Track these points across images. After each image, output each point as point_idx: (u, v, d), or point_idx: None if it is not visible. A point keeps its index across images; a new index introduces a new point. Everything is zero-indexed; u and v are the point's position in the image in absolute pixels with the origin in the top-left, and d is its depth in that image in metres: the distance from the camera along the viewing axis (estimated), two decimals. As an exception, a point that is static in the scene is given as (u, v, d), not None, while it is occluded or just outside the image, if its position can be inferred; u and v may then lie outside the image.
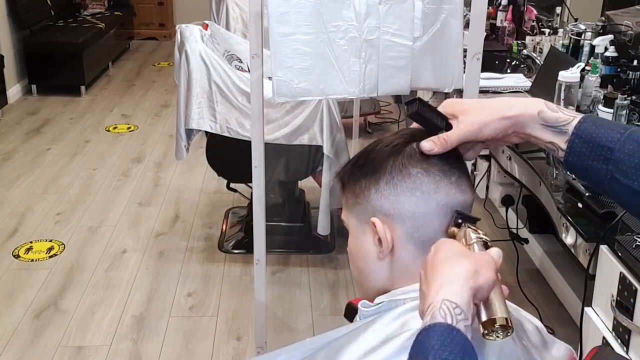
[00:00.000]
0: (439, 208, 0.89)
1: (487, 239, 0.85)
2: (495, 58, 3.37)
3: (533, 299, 2.79)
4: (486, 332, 0.74)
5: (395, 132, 0.97)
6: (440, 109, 0.94)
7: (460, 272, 0.75)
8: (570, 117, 0.88)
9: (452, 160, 0.91)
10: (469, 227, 0.86)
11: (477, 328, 0.75)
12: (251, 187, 2.17)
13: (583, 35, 2.90)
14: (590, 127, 0.86)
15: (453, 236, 0.87)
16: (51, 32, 5.86)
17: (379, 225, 0.90)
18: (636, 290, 1.55)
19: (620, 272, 1.61)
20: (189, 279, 3.08)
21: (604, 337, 1.70)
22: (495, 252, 0.81)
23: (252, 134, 1.99)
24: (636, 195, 0.83)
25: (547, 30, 3.37)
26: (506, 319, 0.73)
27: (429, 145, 0.89)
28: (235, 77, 2.82)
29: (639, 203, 0.84)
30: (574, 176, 0.93)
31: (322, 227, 2.98)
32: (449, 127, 0.91)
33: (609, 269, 1.66)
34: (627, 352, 1.61)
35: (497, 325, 0.73)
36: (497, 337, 0.74)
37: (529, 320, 0.98)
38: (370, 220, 0.91)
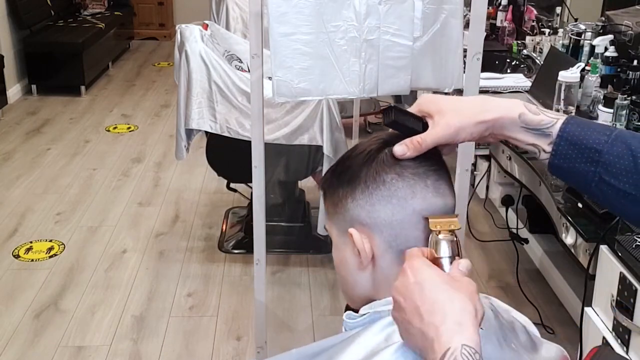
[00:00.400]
0: (415, 214, 0.86)
1: (457, 250, 0.82)
2: (496, 58, 3.37)
3: (533, 299, 2.79)
4: None
5: (370, 138, 0.93)
6: (415, 105, 0.91)
7: (466, 313, 0.74)
8: (554, 120, 0.86)
9: (428, 163, 0.88)
10: (442, 236, 0.82)
11: None
12: (251, 187, 2.17)
13: (583, 35, 2.90)
14: (575, 129, 0.85)
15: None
16: (51, 32, 5.86)
17: (355, 235, 0.88)
18: (636, 290, 1.55)
19: (620, 272, 1.61)
20: (189, 279, 3.09)
21: (604, 337, 1.70)
22: (465, 266, 0.79)
23: (252, 134, 1.99)
24: (626, 197, 0.82)
25: (547, 30, 3.37)
26: None
27: (402, 149, 0.86)
28: (235, 77, 2.82)
29: (627, 205, 0.83)
30: (555, 177, 0.91)
31: (322, 227, 2.98)
32: (426, 128, 0.88)
33: (609, 269, 1.66)
34: (627, 352, 1.61)
35: None
36: None
37: (518, 321, 0.98)
38: (347, 230, 0.89)
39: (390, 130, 0.92)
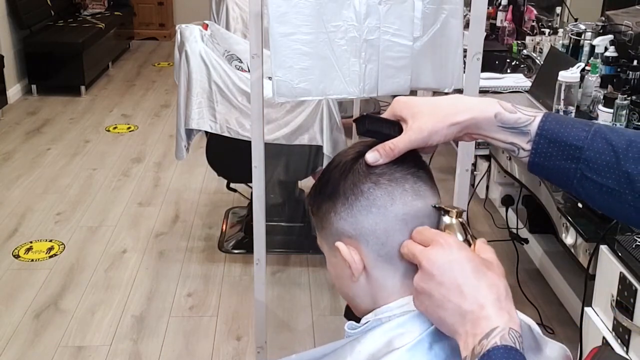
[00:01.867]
0: (398, 220, 0.85)
1: (470, 235, 0.85)
2: (496, 58, 3.37)
3: (533, 299, 2.79)
4: None
5: (347, 149, 0.93)
6: (389, 109, 0.90)
7: (508, 296, 0.77)
8: (531, 117, 0.85)
9: (405, 166, 0.86)
10: (459, 222, 0.85)
11: None
12: (251, 187, 2.17)
13: (583, 35, 2.90)
14: (554, 126, 0.84)
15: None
16: (51, 32, 5.87)
17: (342, 249, 0.87)
18: (636, 290, 1.55)
19: (620, 272, 1.61)
20: (189, 279, 3.09)
21: (604, 337, 1.70)
22: (489, 249, 0.82)
23: (252, 134, 1.99)
24: (609, 193, 0.82)
25: (547, 30, 3.37)
26: None
27: (374, 155, 0.85)
28: (235, 77, 2.82)
29: (609, 200, 0.83)
30: (536, 175, 0.91)
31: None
32: (401, 132, 0.88)
33: (609, 269, 1.66)
34: (627, 352, 1.61)
35: None
36: None
37: (523, 321, 0.98)
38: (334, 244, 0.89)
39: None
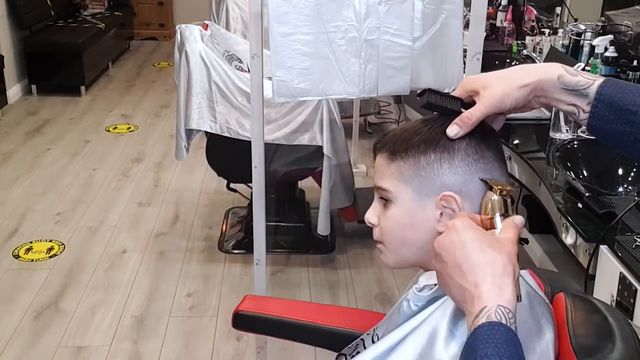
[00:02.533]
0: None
1: (509, 211, 0.87)
2: (495, 58, 3.37)
3: (533, 299, 2.78)
4: None
5: None
6: (459, 88, 0.95)
7: (505, 274, 0.79)
8: (590, 81, 0.89)
9: (499, 147, 0.95)
10: (499, 195, 0.89)
11: None
12: (251, 187, 2.17)
13: (583, 36, 2.90)
14: (611, 91, 0.88)
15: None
16: (51, 33, 5.86)
17: (458, 198, 0.90)
18: (636, 290, 1.55)
19: (620, 272, 1.61)
20: (189, 279, 3.09)
21: (604, 337, 1.69)
22: (520, 220, 0.86)
23: (252, 134, 2.00)
24: None
25: (547, 31, 3.37)
26: (518, 295, 0.81)
27: (454, 128, 0.91)
28: (235, 77, 2.82)
29: None
30: (595, 137, 0.94)
31: (322, 227, 2.98)
32: (466, 107, 0.92)
33: (609, 269, 1.66)
34: (627, 352, 1.60)
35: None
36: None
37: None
38: (442, 194, 0.91)
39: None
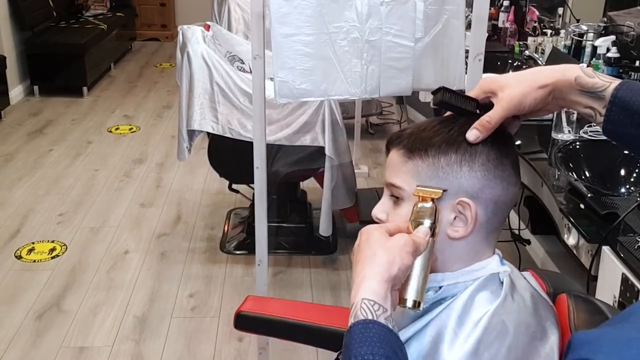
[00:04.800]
0: (509, 202, 0.92)
1: (430, 220, 0.87)
2: (497, 59, 3.37)
3: (535, 300, 2.78)
4: (400, 304, 0.83)
5: None
6: (477, 88, 0.94)
7: (377, 268, 0.80)
8: (607, 83, 0.88)
9: (514, 153, 0.94)
10: (420, 204, 0.88)
11: None
12: (253, 188, 2.17)
13: (585, 36, 2.90)
14: (627, 94, 0.87)
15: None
16: (53, 34, 5.87)
17: (473, 207, 0.89)
18: (638, 291, 1.55)
19: (623, 273, 1.61)
20: (190, 279, 3.09)
21: (606, 338, 1.69)
22: (422, 231, 0.86)
23: (253, 135, 2.00)
24: None
25: (549, 31, 3.37)
26: (414, 300, 0.83)
27: (474, 133, 0.89)
28: (237, 78, 2.82)
29: None
30: (612, 141, 0.94)
31: (324, 228, 2.98)
32: (481, 108, 0.91)
33: (611, 270, 1.66)
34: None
35: (406, 305, 0.83)
36: (408, 308, 0.84)
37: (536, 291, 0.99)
38: (459, 199, 0.89)
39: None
